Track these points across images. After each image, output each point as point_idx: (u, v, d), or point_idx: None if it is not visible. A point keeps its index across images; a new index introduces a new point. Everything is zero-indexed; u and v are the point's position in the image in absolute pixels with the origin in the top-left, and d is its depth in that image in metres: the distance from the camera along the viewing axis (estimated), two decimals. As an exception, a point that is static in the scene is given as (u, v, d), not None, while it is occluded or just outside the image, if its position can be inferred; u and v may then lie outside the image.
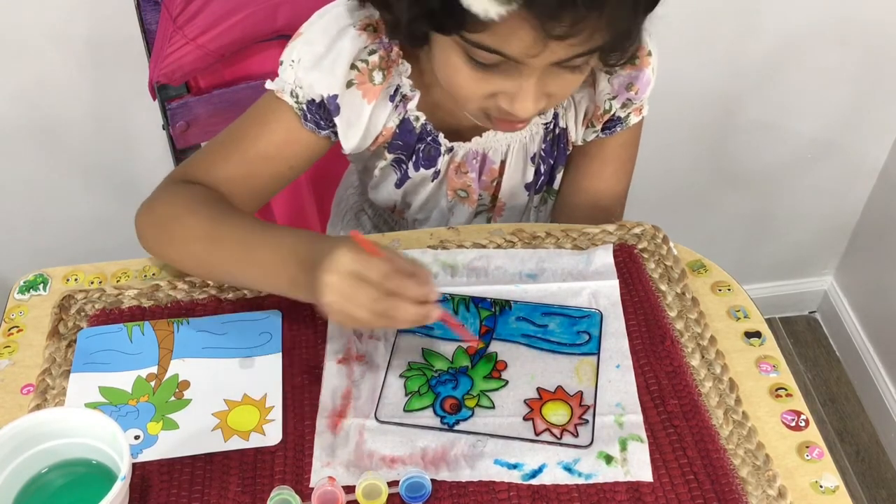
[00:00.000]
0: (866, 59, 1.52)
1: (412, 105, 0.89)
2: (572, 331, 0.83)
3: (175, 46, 1.01)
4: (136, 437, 0.75)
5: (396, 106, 0.89)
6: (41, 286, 0.88)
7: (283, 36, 1.08)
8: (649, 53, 0.91)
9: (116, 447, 0.67)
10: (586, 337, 0.82)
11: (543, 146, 0.97)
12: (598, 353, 0.81)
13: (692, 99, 1.52)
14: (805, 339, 1.95)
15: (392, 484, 0.70)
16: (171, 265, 0.88)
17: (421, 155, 0.94)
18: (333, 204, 1.21)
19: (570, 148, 0.99)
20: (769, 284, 1.90)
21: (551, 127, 0.95)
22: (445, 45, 0.76)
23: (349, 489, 0.70)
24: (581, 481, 0.71)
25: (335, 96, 0.85)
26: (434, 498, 0.70)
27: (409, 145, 0.93)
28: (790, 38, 1.47)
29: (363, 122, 0.88)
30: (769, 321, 0.88)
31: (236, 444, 0.74)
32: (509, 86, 0.76)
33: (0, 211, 1.44)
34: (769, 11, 1.42)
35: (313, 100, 0.86)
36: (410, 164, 0.95)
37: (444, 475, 0.72)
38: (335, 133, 0.89)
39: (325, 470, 0.72)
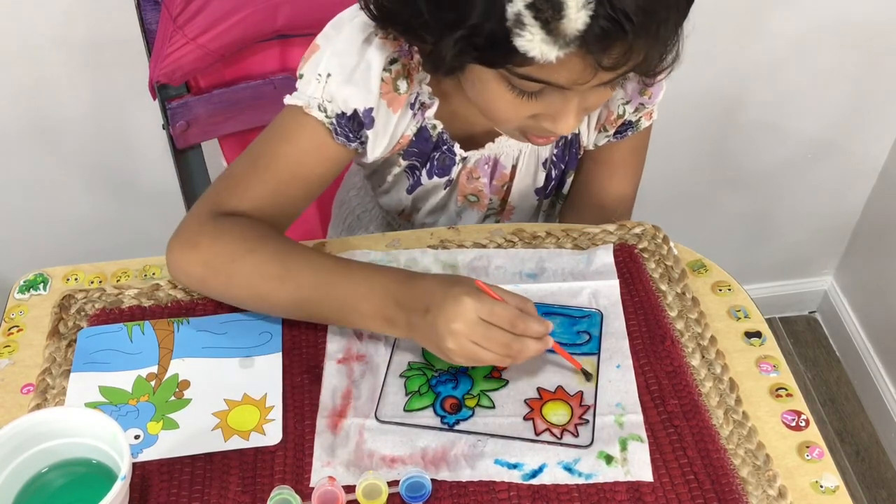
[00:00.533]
0: (866, 59, 1.52)
1: (430, 113, 0.88)
2: (572, 331, 0.83)
3: (175, 46, 1.01)
4: (137, 437, 0.75)
5: (415, 114, 0.88)
6: (41, 286, 0.88)
7: (283, 36, 1.08)
8: None
9: (116, 447, 0.67)
10: (586, 337, 0.82)
11: (556, 151, 0.97)
12: (598, 353, 0.81)
13: (692, 99, 1.51)
14: (805, 339, 1.95)
15: (392, 484, 0.70)
16: (222, 301, 0.85)
17: (435, 163, 0.93)
18: (334, 206, 1.21)
19: (582, 152, 0.99)
20: (769, 284, 1.90)
21: None
22: (484, 74, 0.75)
23: (349, 489, 0.70)
24: (581, 481, 0.71)
25: (371, 109, 0.84)
26: (434, 498, 0.70)
27: (424, 153, 0.92)
28: (790, 39, 1.47)
29: (389, 131, 0.87)
30: (769, 321, 0.88)
31: (236, 443, 0.74)
32: (552, 108, 0.76)
33: (0, 210, 1.44)
34: (769, 12, 1.42)
35: (343, 113, 0.84)
36: (424, 172, 0.94)
37: (445, 475, 0.72)
38: (363, 144, 0.87)
39: (325, 470, 0.72)
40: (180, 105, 1.08)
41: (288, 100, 0.85)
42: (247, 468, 0.73)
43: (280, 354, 0.81)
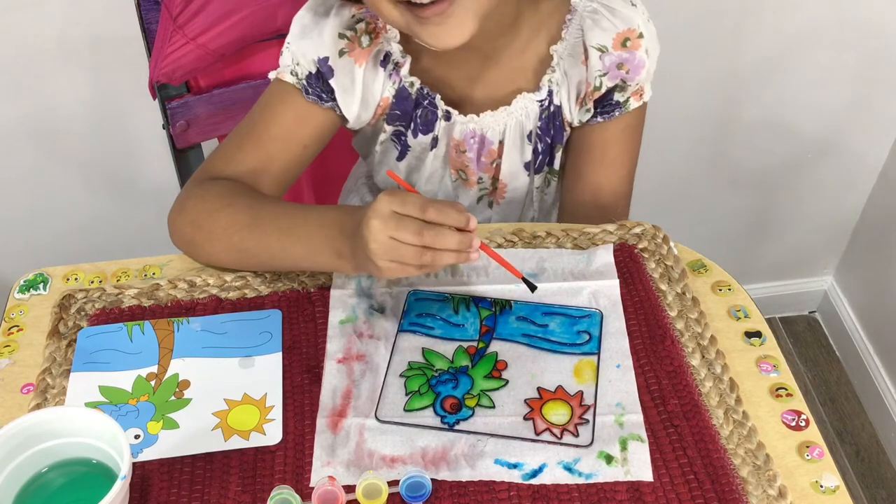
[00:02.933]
0: (866, 59, 1.52)
1: (405, 71, 0.91)
2: (573, 330, 0.83)
3: (175, 46, 1.01)
4: (137, 437, 0.75)
5: (390, 74, 0.91)
6: (41, 285, 0.88)
7: (283, 35, 1.08)
8: (640, 35, 0.91)
9: (117, 446, 0.67)
10: (587, 336, 0.82)
11: (539, 124, 0.96)
12: (598, 353, 0.81)
13: (692, 99, 1.52)
14: (805, 339, 1.95)
15: (392, 483, 0.70)
16: (210, 262, 0.89)
17: (419, 121, 0.95)
18: (340, 200, 1.21)
19: (568, 128, 0.98)
20: (769, 284, 1.90)
21: (546, 104, 0.95)
22: None
23: (349, 489, 0.70)
24: (581, 481, 0.71)
25: (326, 59, 0.89)
26: (434, 497, 0.70)
27: (407, 113, 0.95)
28: (790, 38, 1.47)
29: (358, 86, 0.91)
30: (769, 321, 0.88)
31: (236, 443, 0.74)
32: None
33: (0, 210, 1.44)
34: (769, 11, 1.42)
35: (311, 72, 0.90)
36: (409, 133, 0.96)
37: (445, 475, 0.72)
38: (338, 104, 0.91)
39: (325, 469, 0.72)
40: (180, 105, 1.08)
41: (271, 74, 0.93)
42: (247, 468, 0.73)
43: (280, 354, 0.81)
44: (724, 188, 1.70)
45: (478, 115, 0.94)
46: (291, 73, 0.91)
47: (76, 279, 0.89)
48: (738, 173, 1.67)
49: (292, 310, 0.85)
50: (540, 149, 0.99)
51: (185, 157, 1.14)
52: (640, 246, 0.91)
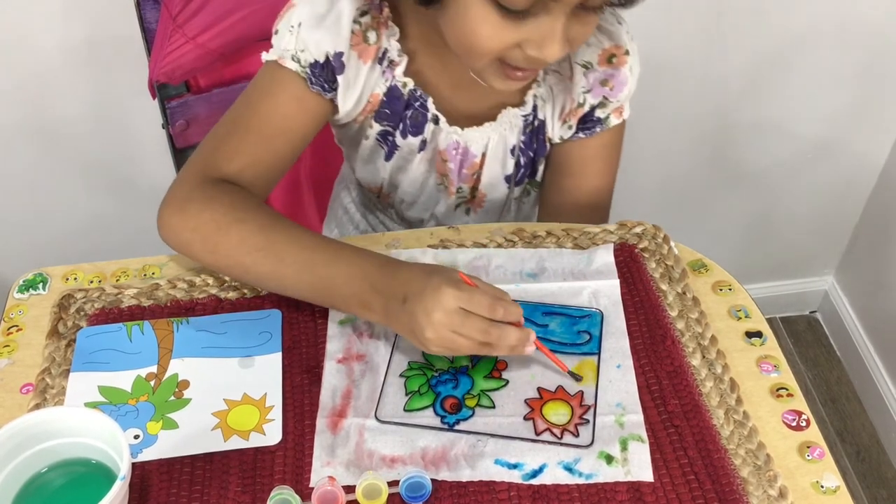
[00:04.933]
0: (866, 59, 1.52)
1: (399, 71, 0.89)
2: (573, 330, 0.83)
3: (175, 45, 1.01)
4: (136, 437, 0.75)
5: (384, 72, 0.89)
6: (40, 285, 0.88)
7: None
8: (627, 52, 0.91)
9: (116, 447, 0.67)
10: (587, 337, 0.82)
11: (523, 138, 0.96)
12: (598, 353, 0.81)
13: (693, 99, 1.51)
14: (806, 339, 1.95)
15: (392, 484, 0.70)
16: (205, 267, 0.87)
17: (408, 122, 0.93)
18: (330, 200, 1.21)
19: (549, 146, 0.98)
20: (770, 284, 1.90)
21: (530, 119, 0.95)
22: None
23: (349, 489, 0.70)
24: (582, 481, 0.71)
25: (341, 54, 0.85)
26: (434, 498, 0.70)
27: (396, 113, 0.93)
28: (790, 38, 1.47)
29: (360, 83, 0.88)
30: (770, 321, 0.88)
31: (236, 443, 0.74)
32: (536, 32, 0.75)
33: (0, 210, 1.44)
34: (770, 11, 1.42)
35: (316, 61, 0.85)
36: (398, 134, 0.95)
37: (445, 475, 0.71)
38: (337, 95, 0.89)
39: (325, 469, 0.72)
40: (180, 104, 1.08)
41: (265, 56, 0.87)
42: (246, 468, 0.73)
43: (280, 354, 0.81)
44: (725, 188, 1.70)
45: (461, 129, 0.94)
46: (293, 58, 0.85)
47: (75, 279, 0.89)
48: (739, 173, 1.67)
49: (292, 310, 0.85)
50: (522, 162, 0.99)
51: (184, 157, 1.13)
52: (641, 246, 0.91)
